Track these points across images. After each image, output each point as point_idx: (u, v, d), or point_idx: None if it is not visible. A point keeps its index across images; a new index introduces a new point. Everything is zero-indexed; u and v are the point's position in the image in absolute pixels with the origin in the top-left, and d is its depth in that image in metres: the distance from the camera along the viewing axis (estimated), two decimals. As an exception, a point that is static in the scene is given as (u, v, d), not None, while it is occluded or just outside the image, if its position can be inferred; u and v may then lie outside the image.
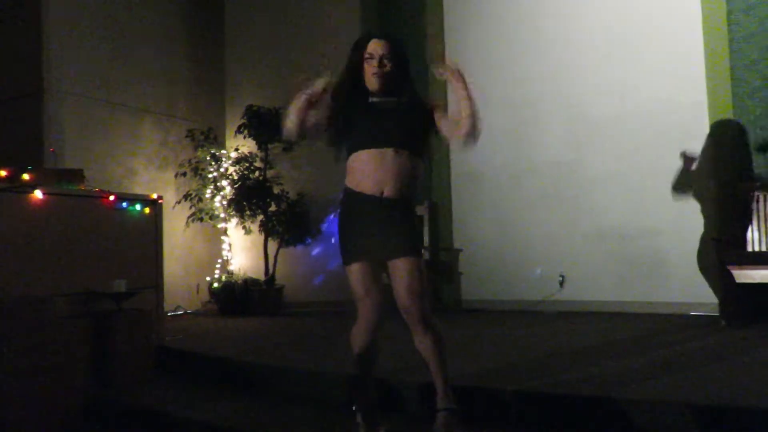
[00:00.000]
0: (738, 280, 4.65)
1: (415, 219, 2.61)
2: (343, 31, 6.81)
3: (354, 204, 2.54)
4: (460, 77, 2.52)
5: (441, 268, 6.49)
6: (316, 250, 7.11)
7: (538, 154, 6.15)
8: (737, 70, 5.20)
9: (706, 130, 5.31)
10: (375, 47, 2.58)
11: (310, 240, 7.00)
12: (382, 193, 2.49)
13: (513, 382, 3.03)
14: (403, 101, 2.60)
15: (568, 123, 6.02)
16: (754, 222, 4.91)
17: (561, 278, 5.92)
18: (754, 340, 4.10)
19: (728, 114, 5.21)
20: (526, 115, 6.25)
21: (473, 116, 2.50)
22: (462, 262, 6.47)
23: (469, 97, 2.51)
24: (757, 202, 4.87)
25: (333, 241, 7.14)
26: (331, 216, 6.78)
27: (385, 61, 2.56)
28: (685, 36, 5.43)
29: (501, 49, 6.44)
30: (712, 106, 5.30)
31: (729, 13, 5.23)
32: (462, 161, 6.54)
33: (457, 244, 6.53)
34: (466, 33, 6.66)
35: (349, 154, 2.57)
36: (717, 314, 4.78)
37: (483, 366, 3.47)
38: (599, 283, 5.74)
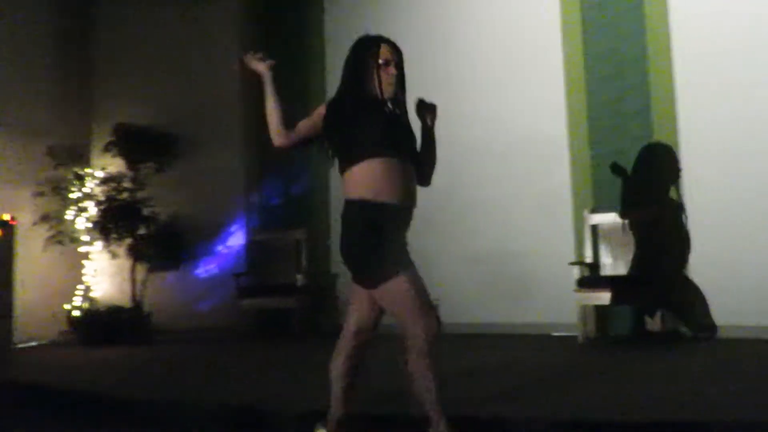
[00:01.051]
0: (591, 303, 5.04)
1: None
2: (220, 47, 6.71)
3: (379, 215, 2.36)
4: (434, 119, 2.57)
5: (317, 293, 6.46)
6: (191, 274, 6.84)
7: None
8: (593, 108, 5.68)
9: (567, 161, 5.74)
10: (389, 52, 2.47)
11: (183, 264, 6.72)
12: (411, 203, 2.46)
13: (380, 408, 3.06)
14: (404, 110, 2.55)
15: (444, 149, 6.23)
16: (607, 248, 5.36)
17: (436, 301, 6.08)
18: (607, 358, 4.45)
19: (585, 147, 5.67)
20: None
21: (434, 162, 2.62)
22: (340, 287, 6.49)
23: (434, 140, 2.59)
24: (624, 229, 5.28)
25: (212, 264, 6.92)
26: (217, 239, 6.59)
27: (396, 68, 2.48)
28: (548, 72, 5.86)
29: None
30: (572, 139, 5.74)
31: (586, 55, 5.72)
32: (341, 186, 6.60)
33: (335, 269, 6.54)
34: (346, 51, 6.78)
35: (357, 162, 2.38)
36: (576, 334, 5.12)
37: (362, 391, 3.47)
38: (471, 306, 5.96)
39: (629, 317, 5.29)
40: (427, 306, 2.37)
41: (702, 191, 5.17)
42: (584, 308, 5.08)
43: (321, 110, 2.48)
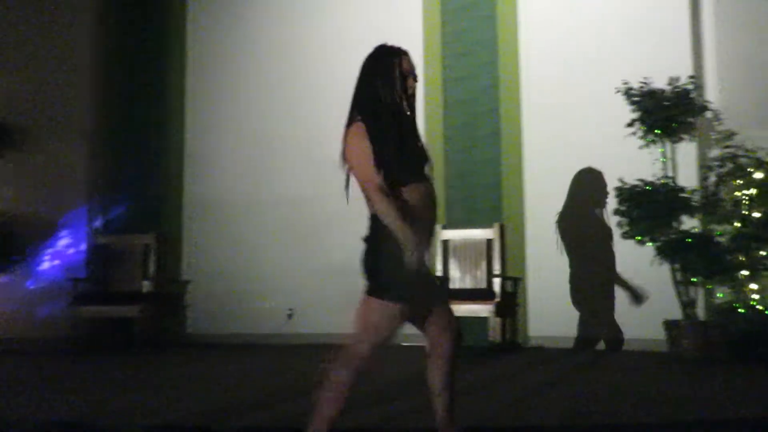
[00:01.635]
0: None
1: None
2: (66, 36, 6.25)
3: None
4: None
5: (165, 301, 6.17)
6: (25, 278, 6.22)
7: (279, 188, 6.31)
8: (449, 130, 6.01)
9: (422, 179, 6.00)
10: (410, 63, 2.36)
11: (15, 266, 6.11)
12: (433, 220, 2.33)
13: (237, 420, 3.00)
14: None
15: (310, 161, 6.29)
16: (456, 262, 5.65)
17: (290, 312, 6.07)
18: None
19: (440, 166, 5.97)
20: (270, 148, 6.39)
21: None
22: (191, 294, 6.25)
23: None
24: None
25: (48, 267, 6.35)
26: (55, 240, 6.06)
27: (415, 84, 2.37)
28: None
29: (249, 81, 6.53)
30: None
31: (444, 81, 6.05)
32: (196, 190, 6.39)
33: (186, 276, 6.30)
34: (212, 62, 6.61)
35: (402, 185, 2.23)
36: (424, 345, 5.32)
37: (208, 404, 3.37)
38: (327, 317, 6.00)
39: (474, 328, 5.61)
40: (377, 345, 2.25)
41: (540, 208, 5.66)
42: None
43: (360, 134, 2.28)
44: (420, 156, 2.31)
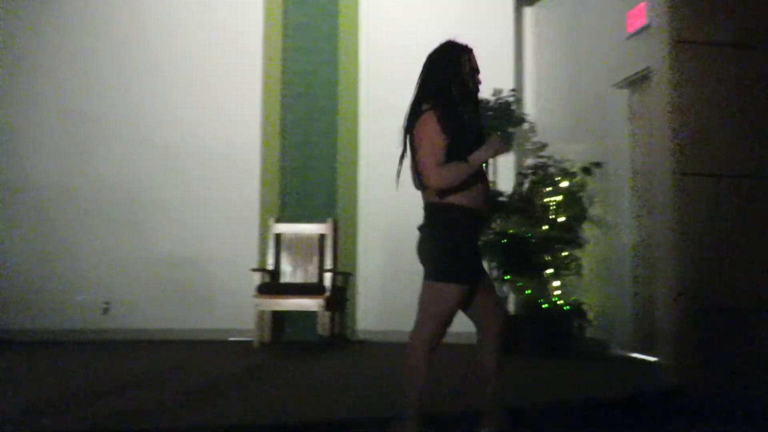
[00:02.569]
0: (269, 308, 5.23)
1: None
2: None
3: (476, 222, 2.44)
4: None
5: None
6: None
7: (95, 173, 5.82)
8: (287, 123, 5.95)
9: (258, 170, 5.89)
10: (475, 59, 2.49)
11: None
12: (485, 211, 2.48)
13: (47, 419, 2.72)
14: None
15: (132, 145, 5.89)
16: (289, 257, 5.61)
17: (106, 305, 5.65)
18: (281, 360, 4.66)
19: (276, 158, 5.89)
20: (86, 129, 5.87)
21: None
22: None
23: None
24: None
25: None
26: None
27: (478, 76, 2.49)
28: (247, 83, 5.95)
29: (63, 54, 5.93)
30: (265, 149, 5.92)
31: (284, 73, 5.97)
32: None
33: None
34: (20, 28, 5.92)
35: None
36: (252, 339, 5.23)
37: (19, 402, 3.02)
38: (148, 312, 5.68)
39: (304, 323, 5.62)
40: (438, 325, 2.38)
41: (373, 206, 5.81)
42: (262, 314, 5.23)
43: (433, 122, 2.35)
44: (479, 143, 2.39)
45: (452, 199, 2.37)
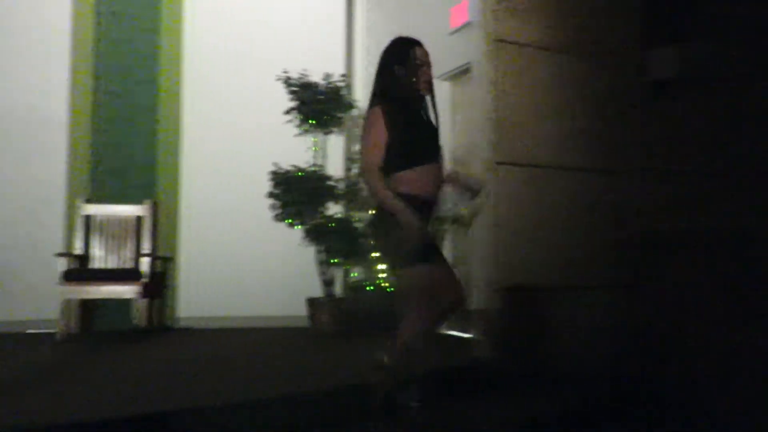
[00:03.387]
0: (77, 296, 4.77)
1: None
2: None
3: (418, 207, 2.56)
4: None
5: None
6: None
7: None
8: (100, 97, 5.43)
9: (64, 147, 5.32)
10: (423, 54, 2.67)
11: None
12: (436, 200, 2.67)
13: None
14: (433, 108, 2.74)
15: None
16: (101, 240, 5.15)
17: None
18: (92, 353, 4.27)
19: (87, 135, 5.37)
20: None
21: None
22: None
23: None
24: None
25: None
26: None
27: (428, 69, 2.67)
28: (54, 55, 5.34)
29: None
30: (73, 126, 5.35)
31: (97, 44, 5.43)
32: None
33: None
34: None
35: (414, 166, 2.59)
36: (54, 331, 4.73)
37: None
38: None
39: (118, 311, 5.21)
40: (427, 300, 2.61)
41: (196, 188, 5.54)
42: (68, 302, 4.76)
43: (379, 120, 2.56)
44: (433, 139, 2.65)
45: (404, 189, 2.57)
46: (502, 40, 3.84)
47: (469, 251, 4.78)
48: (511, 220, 3.79)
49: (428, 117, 2.71)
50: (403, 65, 2.62)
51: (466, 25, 4.71)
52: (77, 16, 5.40)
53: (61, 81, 5.34)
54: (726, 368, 3.38)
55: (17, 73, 5.28)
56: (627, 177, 4.17)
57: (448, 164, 2.88)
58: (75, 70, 5.38)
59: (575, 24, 4.10)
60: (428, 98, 2.71)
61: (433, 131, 2.68)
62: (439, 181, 2.68)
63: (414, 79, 2.63)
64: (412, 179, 2.58)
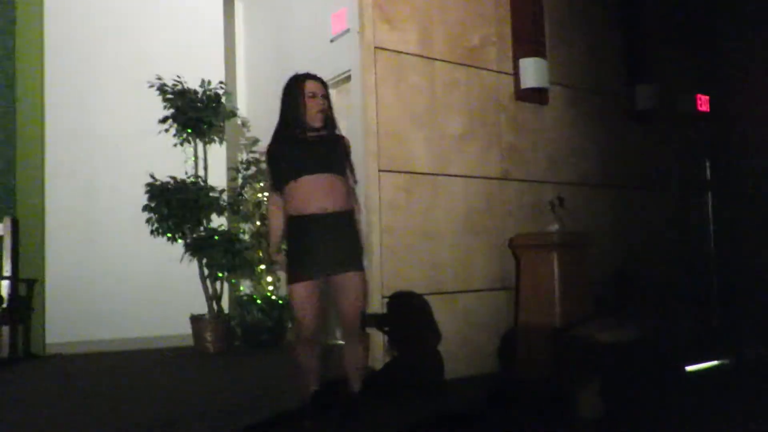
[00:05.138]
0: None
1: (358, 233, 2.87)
2: None
3: (299, 226, 2.77)
4: None
5: None
6: None
7: None
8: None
9: None
10: (314, 86, 2.90)
11: None
12: (326, 209, 2.75)
13: None
14: (330, 133, 2.91)
15: None
16: None
17: None
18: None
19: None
20: None
21: None
22: None
23: None
24: None
25: None
26: None
27: (324, 100, 2.88)
28: None
29: None
30: None
31: None
32: None
33: None
34: None
35: (287, 184, 2.82)
36: None
37: None
38: None
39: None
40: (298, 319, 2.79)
41: (63, 202, 5.13)
42: None
43: (267, 158, 2.98)
44: (318, 154, 2.81)
45: (288, 211, 2.84)
46: (379, 48, 3.84)
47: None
48: (393, 227, 3.80)
49: (321, 142, 2.88)
50: (293, 100, 2.88)
51: (345, 33, 4.69)
52: None
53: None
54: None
55: None
56: (500, 182, 4.31)
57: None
58: None
59: (449, 32, 4.18)
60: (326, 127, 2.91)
61: (323, 147, 2.85)
62: (316, 203, 2.76)
63: (303, 111, 2.86)
64: (290, 198, 2.81)
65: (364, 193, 3.95)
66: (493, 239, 4.18)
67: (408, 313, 3.78)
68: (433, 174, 4.01)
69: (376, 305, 3.75)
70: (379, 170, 3.82)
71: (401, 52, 3.97)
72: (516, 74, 4.39)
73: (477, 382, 3.68)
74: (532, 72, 4.31)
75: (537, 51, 4.43)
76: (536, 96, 4.47)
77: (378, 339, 3.76)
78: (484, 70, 4.31)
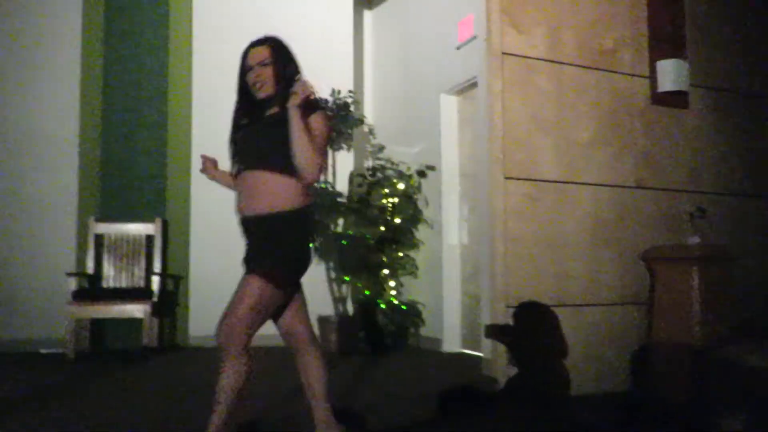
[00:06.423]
0: (88, 316, 4.79)
1: (278, 235, 2.27)
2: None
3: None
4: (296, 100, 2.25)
5: None
6: None
7: None
8: (109, 113, 5.48)
9: (75, 164, 5.37)
10: (252, 55, 2.38)
11: None
12: (246, 212, 2.33)
13: None
14: (274, 114, 2.33)
15: None
16: (110, 259, 5.18)
17: None
18: (96, 373, 4.27)
19: (96, 151, 5.40)
20: None
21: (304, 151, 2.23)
22: None
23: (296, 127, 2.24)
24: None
25: None
26: None
27: (260, 69, 2.34)
28: (63, 72, 5.40)
29: None
30: (82, 142, 5.39)
31: (106, 61, 5.48)
32: None
33: None
34: None
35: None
36: (65, 351, 4.75)
37: None
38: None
39: (128, 330, 5.21)
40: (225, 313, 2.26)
41: (207, 205, 5.52)
42: (78, 322, 4.77)
43: None
44: (251, 145, 2.32)
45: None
46: (507, 54, 3.79)
47: (477, 267, 4.72)
48: (518, 236, 3.73)
49: (269, 121, 2.36)
50: (241, 77, 2.41)
51: (472, 39, 4.68)
52: (87, 36, 5.45)
53: (71, 101, 5.39)
54: None
55: (29, 96, 5.34)
56: (633, 191, 4.09)
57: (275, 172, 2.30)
58: (84, 89, 5.42)
59: (580, 35, 4.05)
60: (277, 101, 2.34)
61: (258, 134, 2.35)
62: (246, 190, 2.32)
63: (244, 84, 2.40)
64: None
65: (489, 201, 3.92)
66: (624, 251, 3.97)
67: (534, 324, 3.69)
68: (560, 182, 3.89)
69: (500, 315, 3.69)
70: (505, 177, 3.76)
71: (529, 57, 3.89)
72: (652, 77, 4.15)
73: (606, 400, 3.52)
74: (671, 74, 4.06)
75: (676, 52, 4.17)
76: (675, 100, 4.19)
77: (500, 350, 3.70)
78: (616, 74, 4.12)
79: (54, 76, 5.39)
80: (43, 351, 5.02)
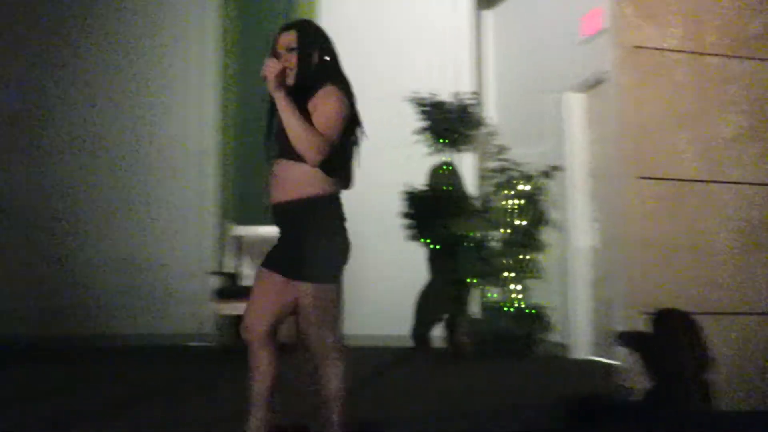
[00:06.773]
0: (230, 313, 5.13)
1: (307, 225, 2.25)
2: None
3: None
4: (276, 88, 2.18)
5: None
6: None
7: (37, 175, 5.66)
8: (244, 123, 5.85)
9: (214, 171, 5.79)
10: (284, 40, 2.29)
11: None
12: (276, 200, 2.31)
13: None
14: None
15: (76, 146, 5.77)
16: (249, 260, 5.50)
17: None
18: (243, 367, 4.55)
19: (233, 159, 5.79)
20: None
21: (295, 134, 2.19)
22: None
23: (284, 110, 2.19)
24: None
25: None
26: None
27: (287, 54, 2.26)
28: (203, 82, 5.84)
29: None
30: (221, 150, 5.81)
31: (243, 67, 5.84)
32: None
33: None
34: None
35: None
36: (211, 344, 5.12)
37: None
38: (105, 315, 5.53)
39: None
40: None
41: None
42: (223, 318, 5.14)
43: None
44: (279, 135, 2.26)
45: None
46: (637, 46, 3.60)
47: (609, 271, 4.51)
48: (651, 239, 3.52)
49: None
50: (272, 56, 2.28)
51: (599, 34, 4.49)
52: (226, 51, 5.86)
53: (212, 113, 5.82)
54: None
55: (168, 104, 5.83)
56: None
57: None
58: (223, 98, 5.83)
59: (721, 23, 3.75)
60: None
61: (280, 126, 2.26)
62: (274, 179, 2.32)
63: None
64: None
65: (621, 202, 3.74)
66: (776, 254, 3.63)
67: (674, 333, 3.47)
68: (701, 181, 3.63)
69: (634, 321, 3.51)
70: (639, 177, 3.57)
71: (663, 49, 3.67)
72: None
73: (757, 419, 3.23)
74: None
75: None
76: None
77: (636, 359, 3.52)
78: (766, 61, 3.78)
79: (192, 86, 5.85)
80: (191, 344, 5.46)
